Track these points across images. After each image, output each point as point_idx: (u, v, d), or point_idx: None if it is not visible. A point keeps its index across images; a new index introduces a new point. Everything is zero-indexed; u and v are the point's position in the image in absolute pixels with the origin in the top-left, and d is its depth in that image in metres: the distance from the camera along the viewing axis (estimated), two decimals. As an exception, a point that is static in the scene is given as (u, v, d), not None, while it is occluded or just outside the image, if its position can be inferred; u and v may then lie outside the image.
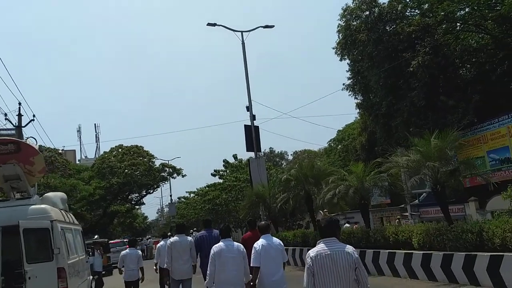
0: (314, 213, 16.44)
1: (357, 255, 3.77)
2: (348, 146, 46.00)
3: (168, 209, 78.68)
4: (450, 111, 23.84)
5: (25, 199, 8.27)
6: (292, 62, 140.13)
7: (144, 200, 53.89)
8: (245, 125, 21.12)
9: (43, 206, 8.01)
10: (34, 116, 21.23)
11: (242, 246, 6.32)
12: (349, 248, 3.75)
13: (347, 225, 22.57)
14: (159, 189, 47.18)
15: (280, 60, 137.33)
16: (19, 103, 20.80)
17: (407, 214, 22.43)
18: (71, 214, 10.30)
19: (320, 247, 3.77)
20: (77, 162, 63.14)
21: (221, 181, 54.91)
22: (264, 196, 18.76)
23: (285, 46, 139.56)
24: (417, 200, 25.72)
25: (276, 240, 6.31)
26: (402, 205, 29.18)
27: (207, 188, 59.57)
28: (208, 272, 6.12)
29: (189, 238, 8.81)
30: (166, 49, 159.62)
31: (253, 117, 20.92)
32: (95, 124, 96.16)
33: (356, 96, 32.41)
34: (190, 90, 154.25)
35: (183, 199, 74.80)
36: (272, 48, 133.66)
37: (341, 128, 54.97)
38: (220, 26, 21.40)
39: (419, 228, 11.11)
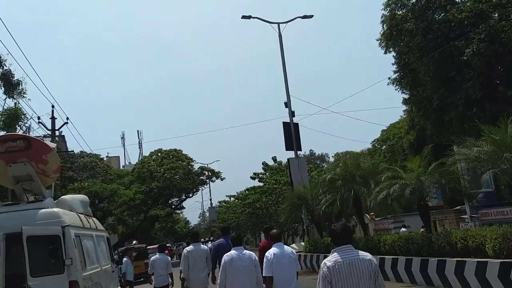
0: (363, 216, 14.79)
1: (376, 262, 3.55)
2: (394, 146, 43.55)
3: (208, 213, 78.48)
4: (511, 103, 21.55)
5: (35, 202, 7.31)
6: (329, 55, 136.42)
7: (185, 204, 53.71)
8: (283, 123, 19.82)
9: (54, 210, 7.00)
10: (67, 119, 20.94)
11: (254, 255, 6.17)
12: (368, 255, 3.55)
13: (403, 229, 20.72)
14: (198, 193, 46.65)
15: (316, 53, 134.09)
16: (52, 106, 20.49)
17: (465, 216, 20.24)
18: (94, 219, 9.32)
19: (337, 255, 3.53)
20: (121, 167, 63.91)
21: (260, 184, 53.95)
22: (306, 198, 17.33)
23: (322, 37, 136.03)
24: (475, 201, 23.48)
25: (288, 248, 6.15)
26: (458, 207, 26.74)
27: (246, 191, 58.73)
28: (218, 281, 5.98)
29: (204, 246, 8.79)
30: (199, 48, 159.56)
31: (292, 114, 19.57)
32: (138, 130, 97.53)
33: (403, 91, 30.29)
34: (225, 89, 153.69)
35: (223, 203, 74.38)
36: (307, 40, 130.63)
37: (385, 128, 52.57)
38: (255, 19, 20.26)
39: (493, 232, 9.34)
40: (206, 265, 8.23)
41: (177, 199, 45.14)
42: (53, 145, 8.89)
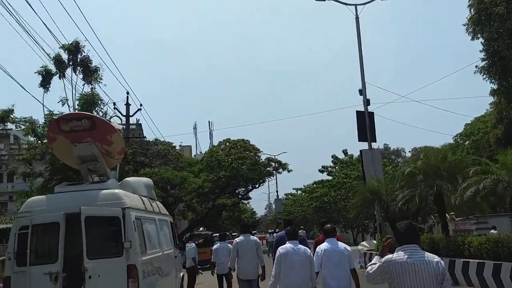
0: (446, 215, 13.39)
1: (443, 265, 3.36)
2: (478, 141, 40.07)
3: (275, 205, 78.44)
4: None
5: (98, 183, 7.18)
6: (408, 40, 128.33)
7: (252, 195, 53.89)
8: (357, 111, 18.67)
9: (116, 191, 6.80)
10: (141, 105, 21.34)
11: (309, 250, 6.08)
12: (435, 258, 3.37)
13: (493, 231, 18.79)
14: (265, 184, 46.39)
15: (394, 38, 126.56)
16: (127, 93, 21.04)
17: None
18: (158, 203, 9.15)
19: (400, 254, 3.38)
20: (193, 156, 65.74)
21: (329, 178, 52.57)
22: (379, 193, 16.14)
23: (400, 21, 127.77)
24: None
25: (342, 244, 6.03)
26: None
27: (314, 185, 57.61)
28: (272, 273, 5.88)
29: (254, 238, 8.78)
30: (269, 35, 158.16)
31: (367, 102, 18.35)
32: (209, 121, 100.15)
33: (492, 81, 27.54)
34: (298, 76, 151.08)
35: (290, 196, 73.84)
36: (384, 24, 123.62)
37: (470, 121, 48.72)
38: (331, 0, 19.15)
39: None
40: (256, 256, 8.23)
41: (243, 189, 45.30)
42: (118, 126, 8.79)
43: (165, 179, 33.97)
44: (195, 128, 72.76)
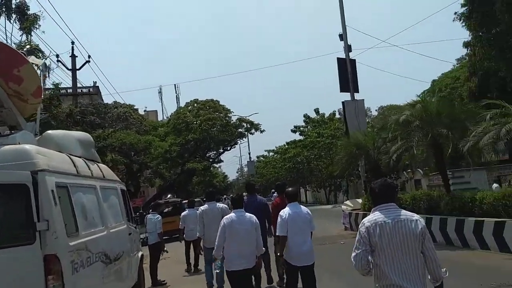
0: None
1: (424, 224, 3.07)
2: (447, 97, 39.15)
3: (247, 168, 77.10)
4: None
5: (1, 137, 4.90)
6: None
7: (223, 158, 51.98)
8: (338, 59, 16.68)
9: (24, 147, 4.55)
10: (89, 57, 18.43)
11: (255, 218, 5.86)
12: (414, 216, 3.10)
13: (495, 185, 17.58)
14: (237, 146, 44.46)
15: None
16: (72, 43, 18.11)
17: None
18: (102, 166, 6.95)
19: (378, 213, 3.09)
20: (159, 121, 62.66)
21: (302, 138, 51.32)
22: (366, 147, 14.47)
23: None
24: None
25: (304, 208, 6.03)
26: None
27: (286, 145, 56.32)
28: (216, 243, 5.72)
29: (220, 205, 8.56)
30: None
31: (348, 48, 16.35)
32: (175, 85, 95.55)
33: (475, 27, 26.01)
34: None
35: (262, 158, 72.61)
36: None
37: (437, 78, 47.91)
38: None
39: None
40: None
41: (214, 152, 43.22)
42: (36, 60, 6.40)
43: (127, 144, 31.40)
44: (160, 92, 68.79)
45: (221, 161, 45.89)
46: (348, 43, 16.57)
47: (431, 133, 10.73)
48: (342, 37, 16.55)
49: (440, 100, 12.27)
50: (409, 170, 30.11)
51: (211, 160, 44.05)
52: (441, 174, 11.70)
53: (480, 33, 26.33)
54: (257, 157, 73.03)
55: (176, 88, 70.83)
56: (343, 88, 16.78)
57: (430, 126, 10.82)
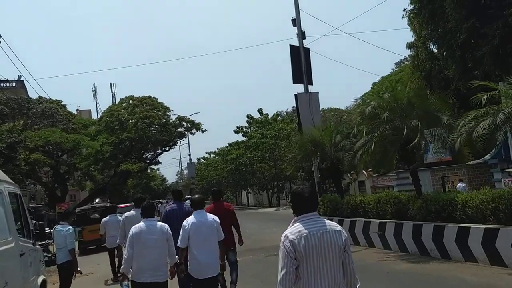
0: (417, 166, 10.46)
1: (346, 235, 2.92)
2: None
3: (187, 171, 74.19)
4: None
5: None
6: None
7: (162, 160, 49.05)
8: (291, 46, 15.12)
9: None
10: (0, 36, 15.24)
11: (166, 226, 5.52)
12: (337, 226, 2.94)
13: (461, 184, 16.69)
14: (176, 147, 41.85)
15: None
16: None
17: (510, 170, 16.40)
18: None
19: (300, 226, 2.85)
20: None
21: (244, 139, 49.73)
22: (322, 143, 12.96)
23: None
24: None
25: (210, 216, 5.65)
26: (479, 160, 22.97)
27: (229, 147, 54.45)
28: (124, 256, 5.39)
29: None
30: None
31: (302, 35, 14.81)
32: (110, 83, 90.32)
33: (419, 27, 25.80)
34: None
35: (202, 160, 70.20)
36: None
37: (377, 81, 48.53)
38: None
39: None
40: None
41: (152, 153, 40.39)
42: None
43: (51, 142, 27.98)
44: (94, 90, 64.36)
45: (159, 162, 43.08)
46: (302, 30, 15.05)
47: (403, 125, 9.31)
48: (296, 22, 15.02)
49: (411, 89, 10.88)
50: (352, 172, 29.23)
51: (148, 161, 41.10)
52: (411, 174, 10.36)
53: (424, 33, 26.26)
54: (198, 159, 70.57)
55: (112, 87, 66.47)
56: (296, 79, 15.25)
57: (401, 118, 9.44)
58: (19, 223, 5.76)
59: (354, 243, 11.59)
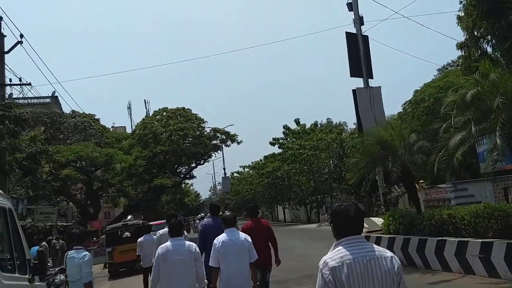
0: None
1: (399, 262, 2.49)
2: (431, 107, 36.46)
3: (221, 186, 72.54)
4: None
5: None
6: None
7: (195, 174, 47.49)
8: (347, 33, 13.04)
9: None
10: (21, 36, 13.83)
11: (194, 246, 5.29)
12: (388, 252, 2.51)
13: None
14: (210, 160, 40.17)
15: None
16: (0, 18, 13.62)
17: None
18: None
19: (344, 250, 2.45)
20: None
21: (281, 151, 47.63)
22: (393, 145, 10.69)
23: None
24: None
25: (242, 235, 5.52)
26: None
27: (264, 160, 52.47)
28: (151, 278, 5.23)
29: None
30: None
31: (360, 20, 12.73)
32: (144, 100, 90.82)
33: (475, 21, 23.28)
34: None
35: (236, 174, 68.48)
36: None
37: (419, 88, 45.53)
38: None
39: None
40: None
41: (186, 167, 38.76)
42: None
43: (83, 157, 26.77)
44: (129, 107, 64.27)
45: (193, 176, 41.40)
46: (359, 15, 12.95)
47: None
48: (351, 6, 12.94)
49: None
50: (422, 181, 27.14)
51: (182, 175, 39.54)
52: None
53: (482, 29, 23.75)
54: (232, 173, 68.85)
55: (146, 103, 66.15)
56: (354, 72, 13.11)
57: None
58: (7, 248, 3.85)
59: (443, 269, 9.31)
